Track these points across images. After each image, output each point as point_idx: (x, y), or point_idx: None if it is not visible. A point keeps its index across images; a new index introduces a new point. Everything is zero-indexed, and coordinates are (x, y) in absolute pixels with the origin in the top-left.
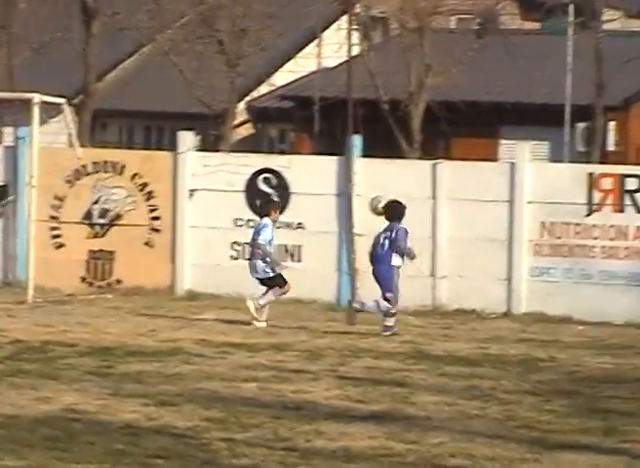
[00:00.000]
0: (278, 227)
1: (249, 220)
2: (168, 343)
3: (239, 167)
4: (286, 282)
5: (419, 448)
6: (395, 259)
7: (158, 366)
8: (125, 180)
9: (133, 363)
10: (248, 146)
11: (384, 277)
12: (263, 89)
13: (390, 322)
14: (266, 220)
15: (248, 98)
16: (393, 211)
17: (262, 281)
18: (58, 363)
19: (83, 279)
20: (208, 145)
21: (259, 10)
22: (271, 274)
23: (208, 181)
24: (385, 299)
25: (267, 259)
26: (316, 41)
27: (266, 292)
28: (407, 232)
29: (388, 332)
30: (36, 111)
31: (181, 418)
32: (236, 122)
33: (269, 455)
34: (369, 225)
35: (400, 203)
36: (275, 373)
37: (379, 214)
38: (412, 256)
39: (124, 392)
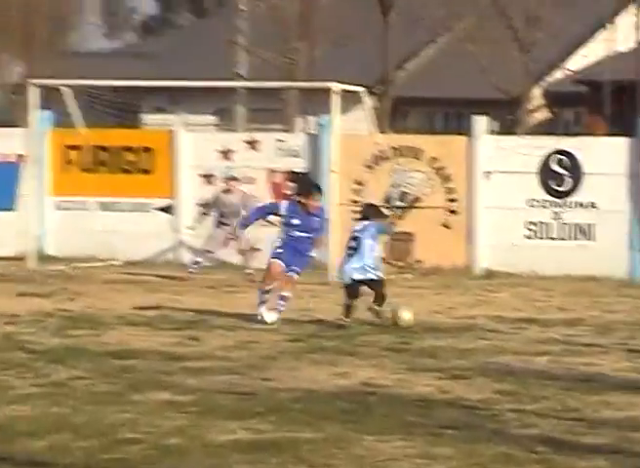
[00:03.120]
0: (570, 207)
1: (544, 201)
2: (463, 320)
3: (533, 149)
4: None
5: None
6: None
7: (452, 341)
8: (423, 165)
9: (428, 339)
10: (544, 130)
11: None
12: (557, 74)
13: None
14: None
15: (542, 83)
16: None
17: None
18: (356, 340)
19: (383, 259)
20: (505, 129)
21: None
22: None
23: (503, 163)
24: None
25: None
26: (607, 26)
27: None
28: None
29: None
30: (336, 100)
31: (473, 391)
32: (532, 106)
33: (557, 425)
34: None
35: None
36: (566, 347)
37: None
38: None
39: (418, 367)
